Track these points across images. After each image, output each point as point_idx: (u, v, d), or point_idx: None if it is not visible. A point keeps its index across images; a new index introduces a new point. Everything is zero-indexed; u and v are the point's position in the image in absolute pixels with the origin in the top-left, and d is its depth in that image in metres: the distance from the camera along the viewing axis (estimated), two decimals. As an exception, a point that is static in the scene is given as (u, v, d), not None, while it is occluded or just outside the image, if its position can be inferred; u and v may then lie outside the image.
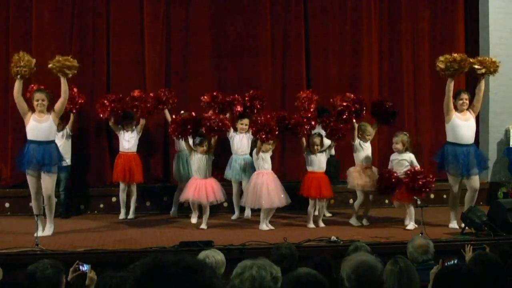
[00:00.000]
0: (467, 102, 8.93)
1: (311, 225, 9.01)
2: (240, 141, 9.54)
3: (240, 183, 9.59)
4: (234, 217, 9.71)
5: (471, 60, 8.85)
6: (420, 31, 11.49)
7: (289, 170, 10.85)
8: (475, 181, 8.91)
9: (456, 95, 8.94)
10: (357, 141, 9.21)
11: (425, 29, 11.51)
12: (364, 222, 9.25)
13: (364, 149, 9.24)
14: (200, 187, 8.83)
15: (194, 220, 9.13)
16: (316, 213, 9.14)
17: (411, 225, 8.80)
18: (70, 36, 10.56)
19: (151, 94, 9.66)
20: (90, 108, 9.89)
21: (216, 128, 8.73)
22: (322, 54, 11.24)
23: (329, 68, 11.22)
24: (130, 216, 9.71)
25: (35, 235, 7.49)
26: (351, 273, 3.52)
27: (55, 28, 10.51)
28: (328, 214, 9.94)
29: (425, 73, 11.46)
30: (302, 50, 11.14)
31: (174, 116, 9.18)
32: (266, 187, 8.77)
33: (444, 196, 10.36)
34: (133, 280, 1.87)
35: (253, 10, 11.04)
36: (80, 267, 5.15)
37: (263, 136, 8.60)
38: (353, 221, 9.24)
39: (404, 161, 8.92)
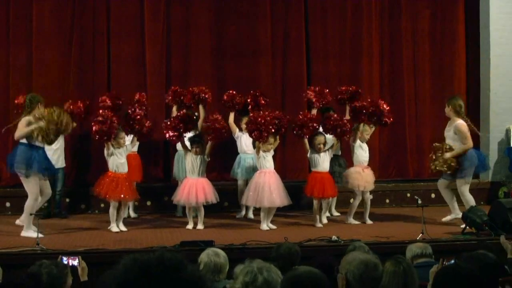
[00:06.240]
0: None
1: (319, 224, 9.03)
2: (248, 140, 9.52)
3: (247, 182, 9.56)
4: (239, 215, 9.74)
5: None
6: (420, 30, 11.49)
7: (290, 169, 10.85)
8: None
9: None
10: (358, 142, 9.23)
11: (426, 28, 11.50)
12: (368, 221, 9.28)
13: (364, 150, 9.27)
14: (191, 189, 8.79)
15: (190, 226, 8.92)
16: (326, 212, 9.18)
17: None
18: (71, 35, 10.57)
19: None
20: (91, 108, 9.87)
21: (214, 131, 8.72)
22: (322, 54, 11.24)
23: (329, 68, 11.21)
24: (132, 215, 9.73)
25: (23, 234, 7.56)
26: (353, 271, 3.51)
27: (55, 28, 10.52)
28: (336, 214, 9.94)
29: (426, 73, 11.47)
30: (302, 50, 11.14)
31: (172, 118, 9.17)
32: (268, 186, 8.76)
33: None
34: (114, 279, 1.84)
35: (254, 9, 11.04)
36: (71, 261, 5.14)
37: (256, 135, 8.62)
38: (351, 220, 9.25)
39: None
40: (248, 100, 9.64)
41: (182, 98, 9.65)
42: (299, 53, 11.14)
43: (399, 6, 11.44)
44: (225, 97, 9.68)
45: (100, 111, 8.77)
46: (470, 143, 8.94)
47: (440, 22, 11.55)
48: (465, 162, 8.95)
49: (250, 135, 8.86)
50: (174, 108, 9.70)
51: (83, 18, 10.61)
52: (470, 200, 8.95)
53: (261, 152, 8.79)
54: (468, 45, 11.51)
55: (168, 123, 8.77)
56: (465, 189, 9.02)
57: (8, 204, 9.89)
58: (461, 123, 8.98)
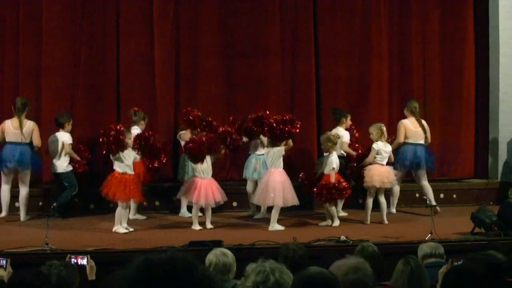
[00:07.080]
0: None
1: (323, 223, 9.06)
2: (255, 141, 9.53)
3: (256, 182, 9.55)
4: (248, 214, 9.74)
5: None
6: (429, 30, 11.45)
7: (297, 170, 10.83)
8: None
9: None
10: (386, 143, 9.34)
11: (435, 28, 11.47)
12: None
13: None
14: (204, 189, 8.78)
15: (198, 227, 8.84)
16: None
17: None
18: (80, 35, 10.59)
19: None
20: (100, 108, 9.90)
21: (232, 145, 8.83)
22: (332, 54, 11.21)
23: (339, 67, 11.19)
24: (139, 216, 9.71)
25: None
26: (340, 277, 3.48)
27: (64, 28, 10.53)
28: (342, 214, 9.93)
29: (435, 73, 11.44)
30: (311, 50, 11.12)
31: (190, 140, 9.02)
32: (288, 184, 8.85)
33: (454, 196, 10.33)
34: (126, 279, 1.85)
35: (263, 9, 11.03)
36: (80, 260, 5.17)
37: (290, 130, 8.66)
38: (369, 219, 9.27)
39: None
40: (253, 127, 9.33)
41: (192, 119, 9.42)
42: (308, 53, 11.12)
43: (408, 5, 11.41)
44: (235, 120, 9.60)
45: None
46: (400, 139, 9.81)
47: (450, 22, 11.51)
48: (397, 156, 9.72)
49: (287, 131, 8.76)
50: (188, 131, 9.46)
51: (92, 18, 10.62)
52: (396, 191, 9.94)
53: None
54: (478, 45, 11.47)
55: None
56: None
57: (17, 204, 9.91)
58: (402, 121, 9.91)
